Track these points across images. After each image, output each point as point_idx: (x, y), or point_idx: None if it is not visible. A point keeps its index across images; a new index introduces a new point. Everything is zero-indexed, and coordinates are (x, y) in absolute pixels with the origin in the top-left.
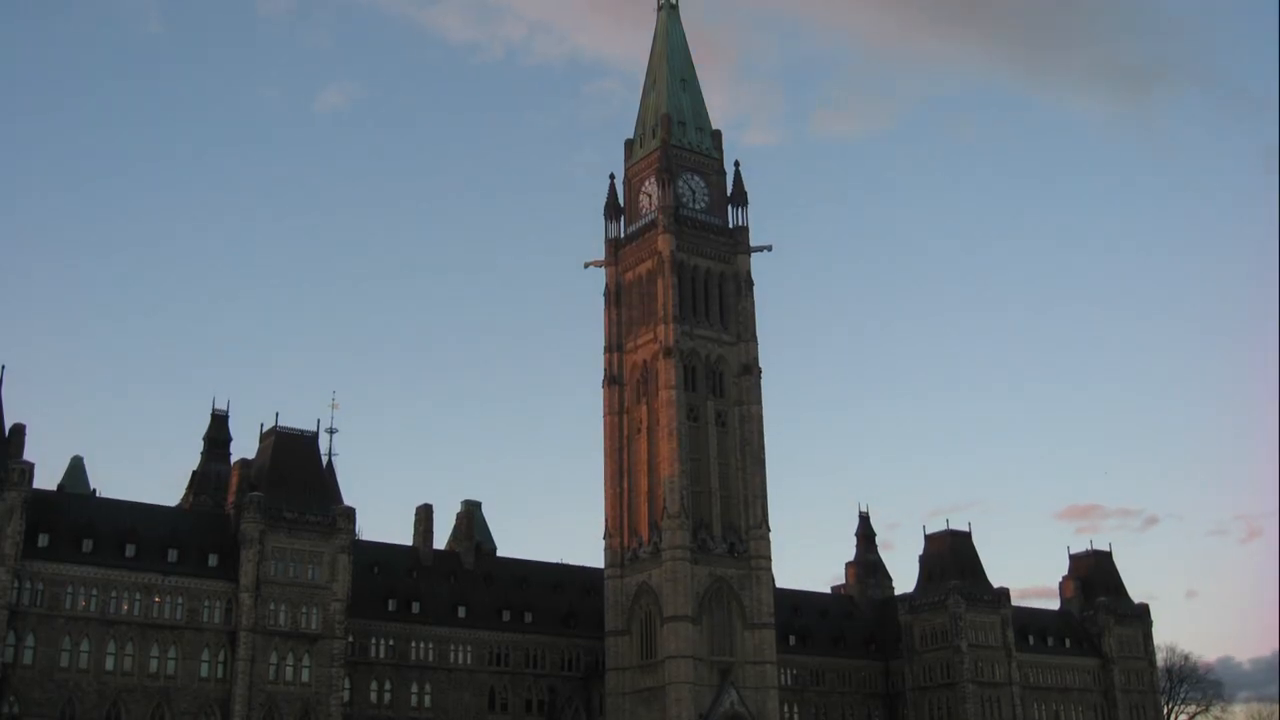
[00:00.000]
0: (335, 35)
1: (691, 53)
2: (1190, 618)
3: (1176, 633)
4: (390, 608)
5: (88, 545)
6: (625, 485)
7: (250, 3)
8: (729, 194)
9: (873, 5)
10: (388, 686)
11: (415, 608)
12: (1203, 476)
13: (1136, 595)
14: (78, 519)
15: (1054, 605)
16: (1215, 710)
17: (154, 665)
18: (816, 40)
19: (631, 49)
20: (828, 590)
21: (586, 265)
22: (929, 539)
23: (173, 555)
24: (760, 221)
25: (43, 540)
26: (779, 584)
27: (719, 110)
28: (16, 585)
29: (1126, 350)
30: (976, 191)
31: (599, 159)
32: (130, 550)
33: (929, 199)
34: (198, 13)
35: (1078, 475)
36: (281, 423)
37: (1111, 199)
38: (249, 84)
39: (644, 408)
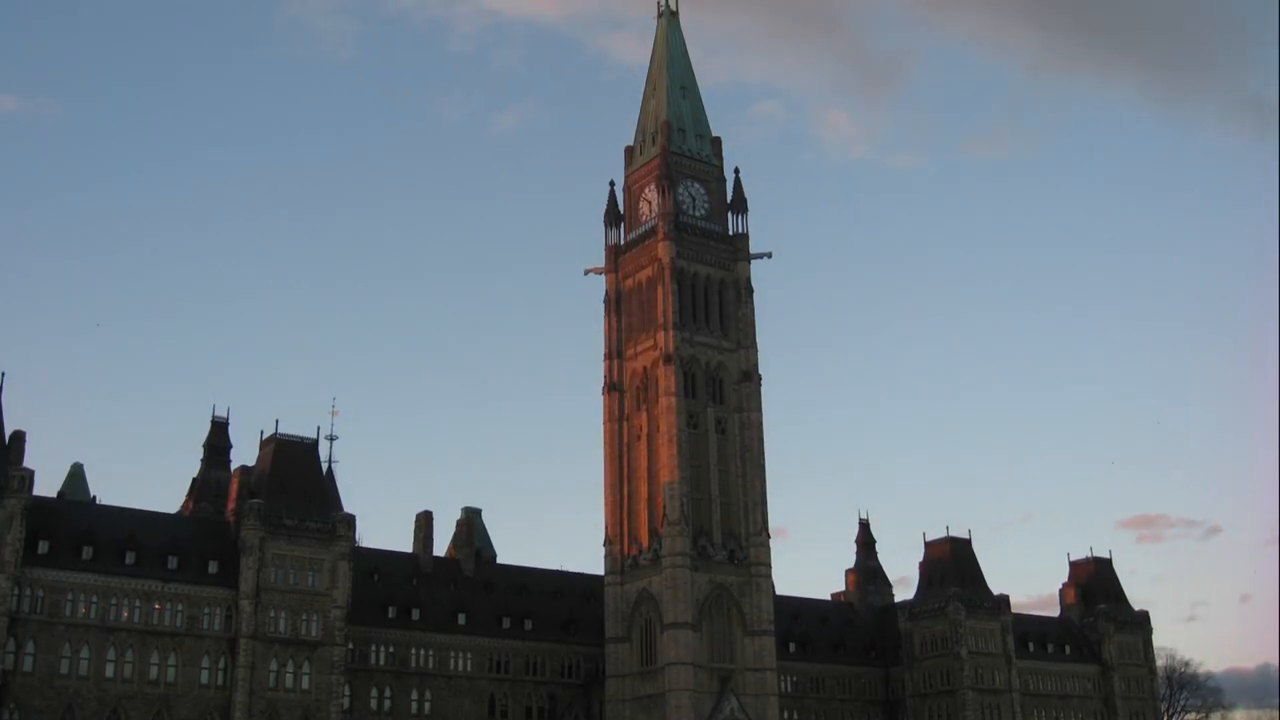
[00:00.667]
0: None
1: (692, 62)
2: (1240, 623)
3: (1224, 638)
4: (390, 615)
5: (88, 552)
6: (625, 492)
7: (442, 32)
8: (729, 201)
9: (1037, 38)
10: (388, 693)
11: (415, 615)
12: (1261, 487)
13: (1188, 602)
14: (78, 526)
15: (1054, 612)
16: (1215, 717)
17: (154, 672)
18: (980, 69)
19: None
20: (828, 597)
21: (586, 272)
22: (929, 546)
23: (173, 562)
24: (765, 228)
25: (43, 547)
26: (779, 591)
27: (873, 134)
28: (16, 592)
29: (1138, 360)
30: (998, 206)
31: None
32: (130, 557)
33: (937, 215)
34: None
35: (1076, 482)
36: (281, 429)
37: (1176, 215)
38: (430, 104)
39: (644, 414)
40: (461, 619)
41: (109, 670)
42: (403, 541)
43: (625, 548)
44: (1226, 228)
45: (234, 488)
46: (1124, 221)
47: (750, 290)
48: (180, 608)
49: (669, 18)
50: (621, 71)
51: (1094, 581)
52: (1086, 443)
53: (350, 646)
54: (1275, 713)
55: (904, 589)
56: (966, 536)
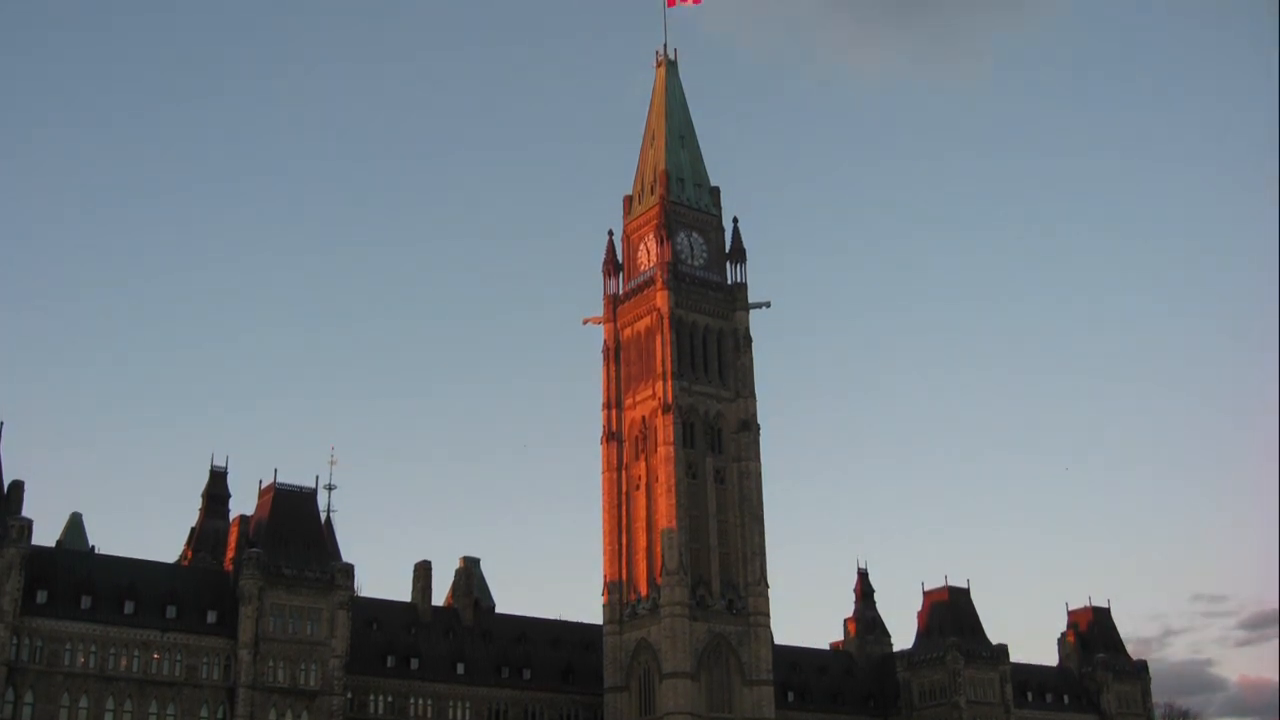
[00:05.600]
0: None
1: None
2: None
3: None
4: (389, 664)
5: (86, 602)
6: (624, 541)
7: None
8: (728, 250)
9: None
10: None
11: (414, 664)
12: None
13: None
14: (76, 575)
15: (1053, 661)
16: None
17: None
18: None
19: None
20: (826, 647)
21: (585, 321)
22: (927, 595)
23: (171, 612)
24: (763, 277)
25: (41, 596)
26: (777, 640)
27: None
28: (15, 642)
29: (1138, 410)
30: (998, 254)
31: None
32: (129, 607)
33: (935, 254)
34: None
35: (1074, 530)
36: (280, 479)
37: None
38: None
39: (643, 464)
40: (460, 668)
41: None
42: (401, 591)
43: (624, 597)
44: (1236, 272)
45: (233, 537)
46: (1124, 273)
47: (749, 340)
48: (179, 657)
49: (669, 67)
50: (621, 120)
51: (1092, 630)
52: (1086, 491)
53: (349, 696)
54: None
55: (903, 638)
56: (965, 586)
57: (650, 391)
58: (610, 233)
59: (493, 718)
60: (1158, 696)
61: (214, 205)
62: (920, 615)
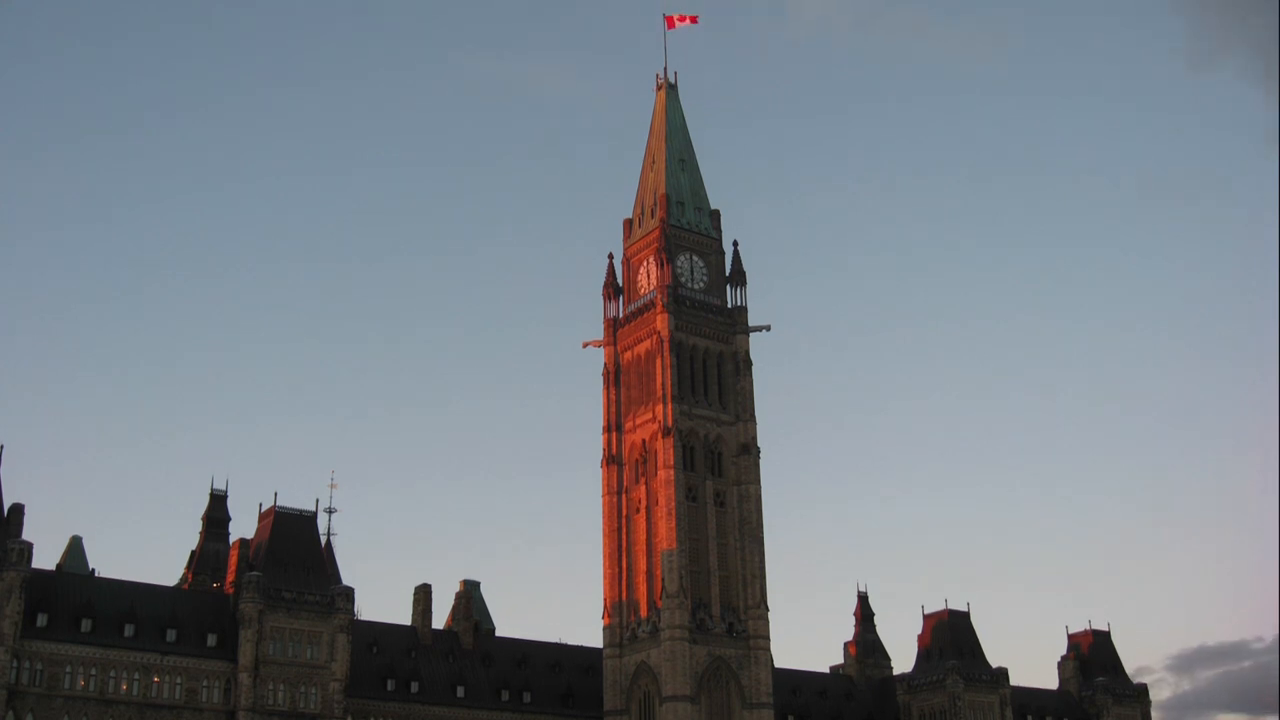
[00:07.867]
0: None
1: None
2: None
3: None
4: (389, 687)
5: (86, 625)
6: (624, 565)
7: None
8: (728, 274)
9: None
10: None
11: (414, 687)
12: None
13: None
14: (76, 599)
15: (1053, 685)
16: None
17: None
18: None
19: None
20: (826, 670)
21: (585, 345)
22: (927, 618)
23: (171, 635)
24: (763, 300)
25: (41, 620)
26: (777, 664)
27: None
28: (15, 665)
29: (1138, 431)
30: (1001, 277)
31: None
32: (129, 630)
33: (935, 278)
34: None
35: (1074, 553)
36: (280, 502)
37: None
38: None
39: (643, 487)
40: (460, 692)
41: None
42: (401, 614)
43: (624, 620)
44: (1236, 296)
45: (233, 560)
46: (1125, 296)
47: (749, 363)
48: (179, 680)
49: (669, 90)
50: (621, 143)
51: (1092, 653)
52: (1085, 515)
53: (349, 719)
54: None
55: (903, 661)
56: (965, 609)
57: (650, 415)
58: (610, 256)
59: None
60: None
61: (212, 226)
62: (920, 638)
